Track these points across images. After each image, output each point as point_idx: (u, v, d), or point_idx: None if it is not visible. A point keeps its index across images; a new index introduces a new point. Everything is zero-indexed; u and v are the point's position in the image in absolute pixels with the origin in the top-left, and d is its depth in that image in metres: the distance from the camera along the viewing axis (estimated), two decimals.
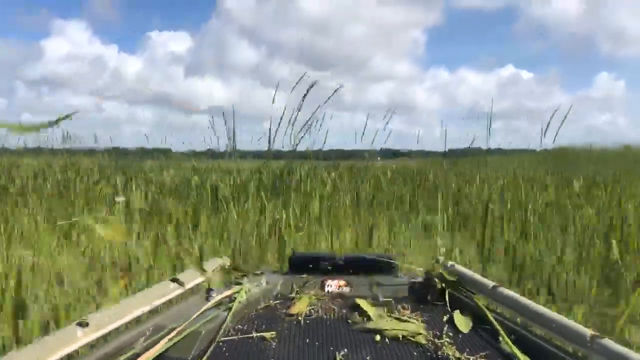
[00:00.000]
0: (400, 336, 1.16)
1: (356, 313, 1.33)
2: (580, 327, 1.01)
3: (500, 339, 1.13)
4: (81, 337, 0.95)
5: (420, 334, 1.17)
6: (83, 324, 0.97)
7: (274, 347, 1.13)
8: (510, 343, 1.09)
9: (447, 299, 1.37)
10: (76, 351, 0.94)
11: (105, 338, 1.04)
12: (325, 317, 1.33)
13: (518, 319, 1.20)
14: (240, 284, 1.43)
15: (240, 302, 1.33)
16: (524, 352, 1.04)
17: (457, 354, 1.07)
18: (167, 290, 1.28)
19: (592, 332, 0.97)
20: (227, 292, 1.38)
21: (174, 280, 1.32)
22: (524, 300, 1.22)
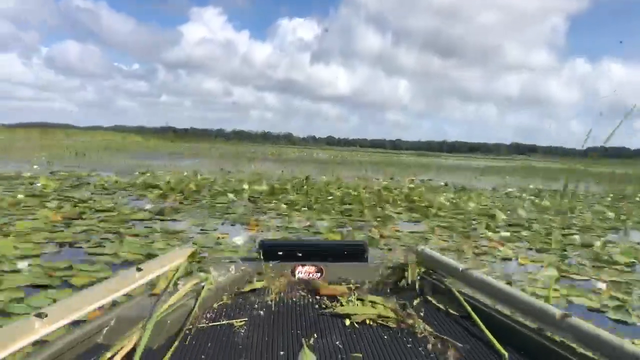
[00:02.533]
0: (370, 320, 1.21)
1: (326, 298, 1.37)
2: (549, 307, 1.06)
3: (470, 320, 1.19)
4: (39, 329, 0.93)
5: (390, 317, 1.22)
6: (42, 315, 0.95)
7: (242, 334, 1.15)
8: (480, 323, 1.14)
9: (417, 282, 1.43)
10: (35, 343, 0.93)
11: (66, 329, 1.03)
12: (295, 303, 1.36)
13: (487, 300, 1.25)
14: (207, 272, 1.45)
15: (208, 290, 1.34)
16: (494, 332, 1.10)
17: (427, 336, 1.12)
18: (131, 279, 1.27)
19: (561, 312, 1.02)
20: (195, 281, 1.38)
21: (139, 269, 1.31)
22: (493, 281, 1.26)
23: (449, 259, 1.48)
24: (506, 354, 1.05)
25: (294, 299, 1.38)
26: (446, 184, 16.84)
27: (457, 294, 1.32)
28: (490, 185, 17.77)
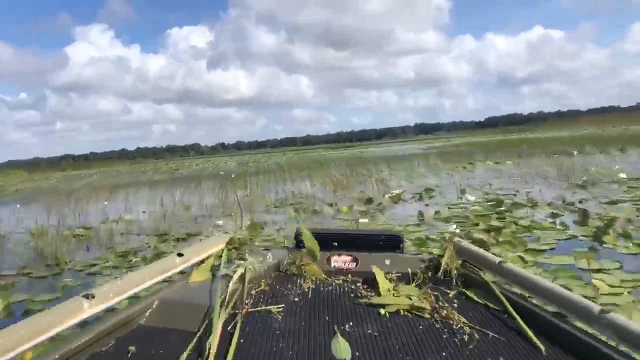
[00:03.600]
0: (405, 310, 1.20)
1: (361, 288, 1.36)
2: (588, 302, 1.02)
3: (507, 313, 1.17)
4: (87, 309, 1.00)
5: (425, 308, 1.20)
6: (89, 296, 1.01)
7: (280, 320, 1.17)
8: (516, 317, 1.12)
9: (453, 275, 1.40)
10: (81, 322, 0.99)
11: (111, 311, 1.10)
12: (331, 291, 1.36)
13: (524, 294, 1.23)
14: (245, 259, 1.45)
15: (246, 277, 1.35)
16: (530, 325, 1.08)
17: (463, 328, 1.10)
18: (172, 265, 1.31)
19: (600, 307, 0.98)
20: (233, 267, 1.40)
21: (179, 255, 1.36)
22: (530, 275, 1.23)
23: (485, 252, 1.43)
24: (543, 347, 1.01)
25: (330, 288, 1.38)
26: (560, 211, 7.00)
27: (493, 286, 1.28)
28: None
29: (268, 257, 1.51)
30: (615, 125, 58.37)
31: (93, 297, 1.02)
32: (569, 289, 1.28)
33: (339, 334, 1.06)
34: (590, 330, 1.00)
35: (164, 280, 1.28)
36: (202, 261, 1.44)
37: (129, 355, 1.01)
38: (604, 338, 0.96)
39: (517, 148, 23.67)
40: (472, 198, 8.06)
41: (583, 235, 5.02)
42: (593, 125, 66.21)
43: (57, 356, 0.95)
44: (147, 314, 1.15)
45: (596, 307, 0.98)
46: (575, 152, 17.40)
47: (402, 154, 30.82)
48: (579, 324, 1.02)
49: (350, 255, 1.54)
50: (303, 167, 22.38)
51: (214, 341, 1.03)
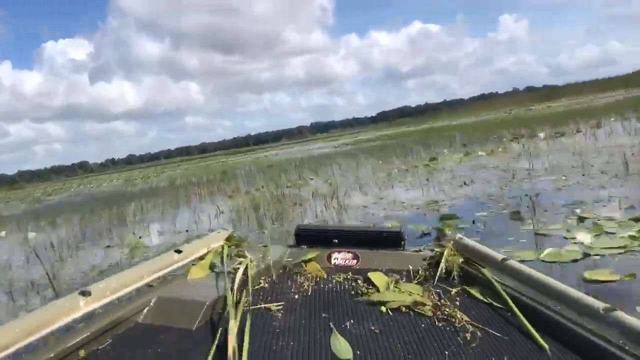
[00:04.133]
0: (407, 308, 1.18)
1: (362, 285, 1.33)
2: (593, 300, 1.02)
3: (510, 311, 1.14)
4: (83, 307, 1.00)
5: (427, 305, 1.18)
6: (86, 293, 1.01)
7: (280, 317, 1.15)
8: (519, 315, 1.10)
9: (455, 272, 1.38)
10: (78, 319, 1.00)
11: (108, 308, 1.08)
12: (331, 289, 1.33)
13: (528, 291, 1.20)
14: (244, 256, 1.45)
15: (245, 274, 1.33)
16: (534, 324, 1.05)
17: (465, 326, 1.09)
18: (170, 261, 1.30)
19: (605, 305, 0.98)
20: (232, 264, 1.38)
21: (178, 251, 1.34)
22: (533, 272, 1.20)
23: (487, 249, 1.39)
24: (547, 346, 0.98)
25: (330, 285, 1.35)
26: None
27: (496, 284, 1.24)
28: None
29: (268, 254, 1.48)
30: (513, 109, 59.27)
31: (89, 293, 1.01)
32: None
33: (337, 332, 1.05)
34: (594, 329, 0.97)
35: (162, 277, 1.26)
36: (200, 258, 1.42)
37: (127, 353, 0.99)
38: (608, 336, 0.93)
39: (449, 137, 20.47)
40: (585, 239, 3.77)
41: None
42: (489, 110, 67.42)
43: (53, 354, 0.94)
44: (145, 311, 1.13)
45: (600, 305, 0.97)
46: (541, 135, 14.26)
47: (315, 155, 26.61)
48: (583, 322, 1.00)
49: (351, 253, 1.51)
50: (202, 182, 17.28)
51: (213, 339, 1.02)
